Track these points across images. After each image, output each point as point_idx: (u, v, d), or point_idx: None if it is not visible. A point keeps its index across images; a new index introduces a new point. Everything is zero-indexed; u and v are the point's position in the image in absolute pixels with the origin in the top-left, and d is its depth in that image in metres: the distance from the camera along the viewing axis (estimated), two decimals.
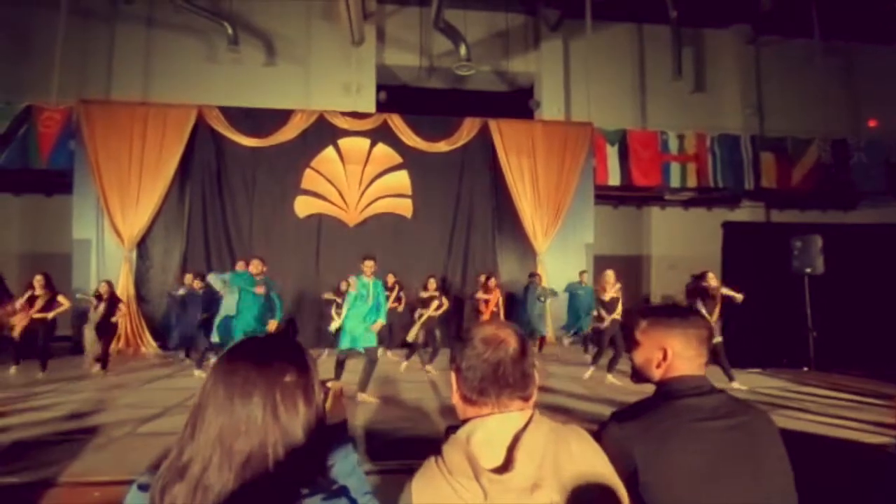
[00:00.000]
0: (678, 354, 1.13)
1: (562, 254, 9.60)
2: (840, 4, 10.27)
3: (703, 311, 5.77)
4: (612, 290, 6.27)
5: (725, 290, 5.92)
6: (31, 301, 6.18)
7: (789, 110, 11.81)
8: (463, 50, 10.01)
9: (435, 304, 6.92)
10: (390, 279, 7.73)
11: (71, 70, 9.56)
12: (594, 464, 0.86)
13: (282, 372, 0.73)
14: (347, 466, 0.89)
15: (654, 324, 1.20)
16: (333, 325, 7.45)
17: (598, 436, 1.02)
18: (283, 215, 9.20)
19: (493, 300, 6.81)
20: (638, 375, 1.22)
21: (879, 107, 11.75)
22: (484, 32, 11.18)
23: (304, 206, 9.28)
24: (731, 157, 10.47)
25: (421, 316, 6.90)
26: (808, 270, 6.77)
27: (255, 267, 5.52)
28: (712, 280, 5.85)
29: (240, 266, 6.57)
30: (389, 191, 9.50)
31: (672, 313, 1.22)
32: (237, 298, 5.66)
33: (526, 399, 0.90)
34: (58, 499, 2.93)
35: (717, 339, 5.56)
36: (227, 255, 8.90)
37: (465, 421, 0.92)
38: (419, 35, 11.00)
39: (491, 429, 0.85)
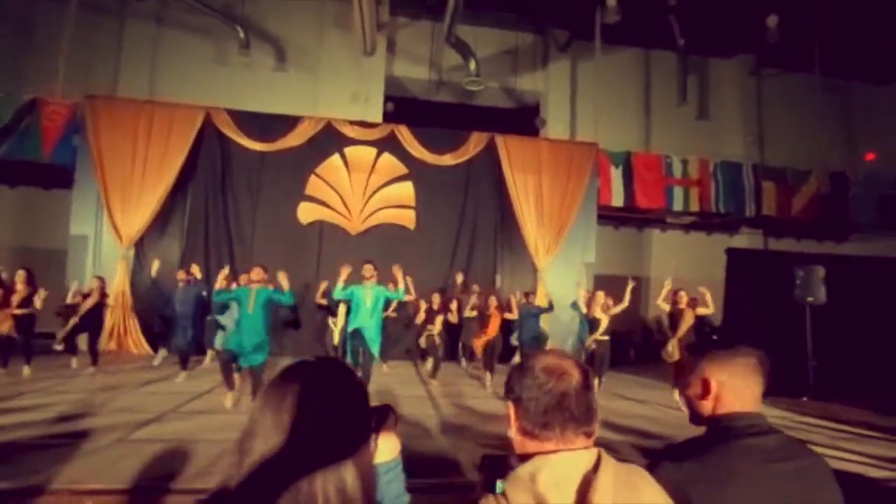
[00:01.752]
0: (725, 385, 1.09)
1: (563, 272, 9.59)
2: (841, 43, 10.53)
3: (669, 331, 6.02)
4: (598, 309, 6.34)
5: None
6: (9, 296, 5.99)
7: (789, 141, 11.99)
8: (472, 65, 10.11)
9: (440, 318, 6.91)
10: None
11: (78, 65, 9.50)
12: None
13: (334, 400, 0.68)
14: None
15: (696, 356, 1.17)
16: (335, 336, 7.38)
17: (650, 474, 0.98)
18: (286, 221, 9.13)
19: (494, 324, 6.76)
20: (692, 416, 1.16)
21: (875, 142, 11.98)
22: (494, 49, 11.30)
23: (306, 213, 9.23)
24: (733, 184, 10.60)
25: (430, 331, 6.89)
26: (810, 300, 6.80)
27: (257, 274, 5.39)
28: (683, 299, 6.17)
29: (242, 279, 6.48)
30: (393, 201, 9.47)
31: (716, 344, 1.19)
32: (238, 311, 5.51)
33: (589, 435, 0.86)
34: None
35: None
36: (227, 258, 8.79)
37: (521, 456, 0.88)
38: (430, 48, 11.10)
39: (558, 468, 0.80)
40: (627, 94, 11.98)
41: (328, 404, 0.67)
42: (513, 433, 0.90)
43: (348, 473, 0.64)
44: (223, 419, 4.59)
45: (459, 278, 8.84)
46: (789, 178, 10.93)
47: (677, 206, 10.42)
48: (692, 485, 0.98)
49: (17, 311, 5.96)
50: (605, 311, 6.32)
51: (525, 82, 11.57)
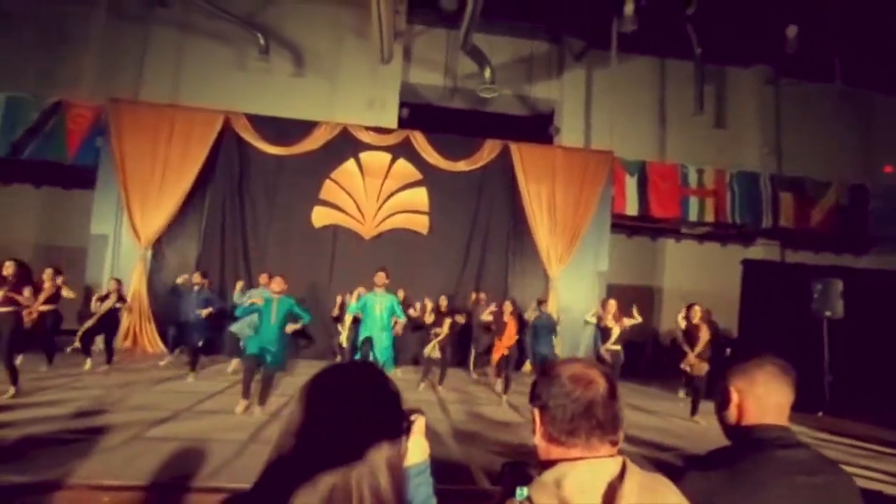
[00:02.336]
0: (744, 394, 1.09)
1: (575, 280, 9.54)
2: (860, 52, 10.41)
3: (686, 346, 6.03)
4: (609, 318, 6.42)
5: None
6: (36, 293, 6.13)
7: (806, 152, 11.82)
8: (487, 73, 10.15)
9: (448, 321, 6.91)
10: (401, 294, 7.70)
11: (103, 69, 9.76)
12: None
13: (367, 403, 0.70)
14: None
15: (727, 369, 1.17)
16: (343, 339, 7.43)
17: (676, 484, 0.98)
18: (300, 224, 9.22)
19: (511, 331, 6.71)
20: (724, 430, 1.15)
21: (894, 155, 11.76)
22: (509, 57, 11.35)
23: (321, 217, 9.32)
24: (749, 195, 10.47)
25: (437, 335, 6.87)
26: (828, 314, 6.68)
27: (278, 284, 5.38)
28: (697, 314, 6.12)
29: (262, 279, 6.56)
30: (407, 206, 9.52)
31: (747, 357, 1.18)
32: (259, 320, 5.55)
33: (614, 443, 0.87)
34: (67, 501, 2.86)
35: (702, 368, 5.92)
36: (242, 260, 8.93)
37: (545, 462, 0.89)
38: (445, 56, 11.19)
39: (583, 475, 0.81)
40: (643, 102, 11.92)
41: (361, 406, 0.69)
42: (538, 439, 0.90)
43: (382, 474, 0.66)
44: (236, 419, 4.64)
45: (474, 296, 8.79)
46: (808, 189, 10.77)
47: (692, 216, 10.32)
48: (719, 495, 0.97)
49: (43, 308, 6.10)
50: (616, 322, 6.35)
51: (540, 90, 11.59)
